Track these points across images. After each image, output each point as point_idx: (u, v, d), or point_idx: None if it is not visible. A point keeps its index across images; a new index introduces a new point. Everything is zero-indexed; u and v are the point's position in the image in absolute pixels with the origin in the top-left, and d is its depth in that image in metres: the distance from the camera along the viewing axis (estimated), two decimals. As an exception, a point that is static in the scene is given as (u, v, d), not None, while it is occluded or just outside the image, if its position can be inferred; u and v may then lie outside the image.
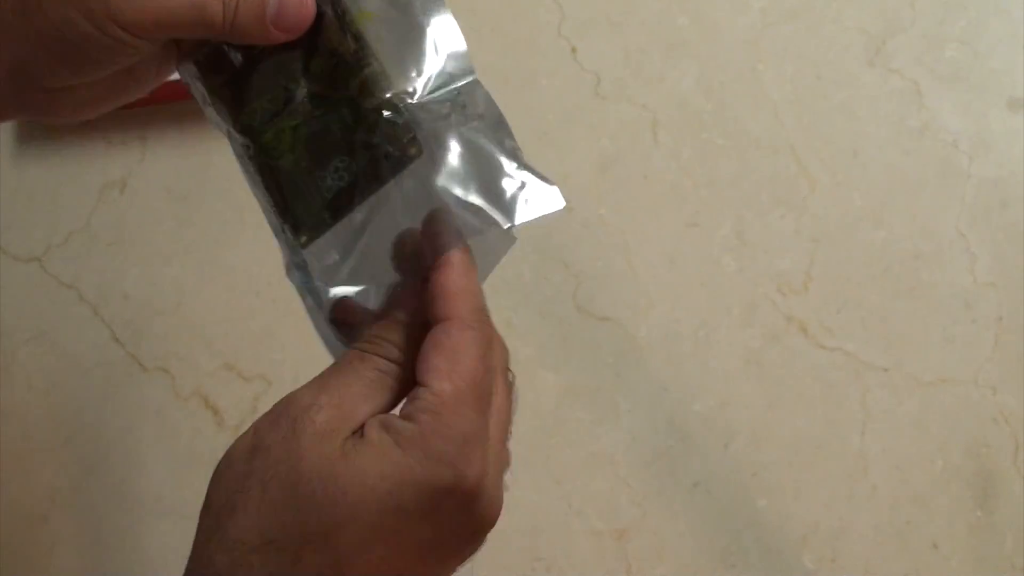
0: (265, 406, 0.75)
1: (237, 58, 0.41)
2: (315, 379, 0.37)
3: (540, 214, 0.38)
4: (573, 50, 0.77)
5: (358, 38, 0.40)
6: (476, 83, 0.41)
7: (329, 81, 0.40)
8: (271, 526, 0.34)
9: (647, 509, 0.67)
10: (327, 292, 0.40)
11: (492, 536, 0.57)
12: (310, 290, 0.40)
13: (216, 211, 0.74)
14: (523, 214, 0.38)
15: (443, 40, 0.41)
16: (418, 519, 0.34)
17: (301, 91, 0.40)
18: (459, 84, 0.41)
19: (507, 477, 0.41)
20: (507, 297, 0.71)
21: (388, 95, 0.40)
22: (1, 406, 0.70)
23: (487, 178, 0.39)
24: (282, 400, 0.36)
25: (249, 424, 0.74)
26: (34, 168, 0.75)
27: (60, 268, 0.73)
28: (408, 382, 0.36)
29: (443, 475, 0.34)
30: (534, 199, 0.39)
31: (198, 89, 0.42)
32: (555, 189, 0.39)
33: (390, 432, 0.34)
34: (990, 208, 0.73)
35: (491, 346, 0.37)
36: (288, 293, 0.75)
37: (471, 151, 0.40)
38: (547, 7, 0.78)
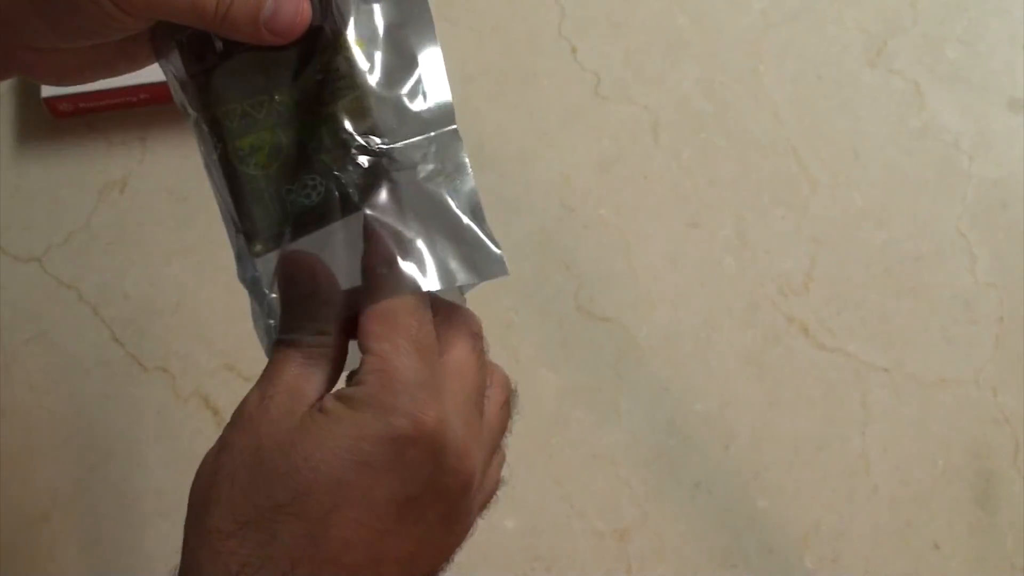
0: (265, 406, 0.74)
1: (220, 47, 0.40)
2: (258, 379, 0.38)
3: (479, 281, 0.39)
4: (573, 50, 0.77)
5: (348, 61, 0.40)
6: (455, 134, 0.40)
7: (315, 97, 0.40)
8: (243, 510, 0.34)
9: (647, 509, 0.67)
10: (275, 302, 0.40)
11: (492, 536, 0.57)
12: (258, 297, 0.40)
13: (216, 211, 0.74)
14: (462, 278, 0.38)
15: (430, 84, 0.40)
16: (384, 473, 0.35)
17: (285, 100, 0.40)
18: (437, 132, 0.40)
19: (505, 471, 0.41)
20: (507, 297, 0.71)
21: (364, 129, 0.39)
22: (1, 406, 0.70)
23: (436, 235, 0.39)
24: (236, 408, 0.37)
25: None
26: (34, 168, 0.75)
27: (60, 268, 0.73)
28: (342, 349, 0.37)
29: (399, 424, 0.34)
30: (478, 265, 0.39)
31: (174, 68, 0.41)
32: (501, 257, 0.39)
33: (342, 399, 0.35)
34: (990, 208, 0.73)
35: (422, 305, 0.37)
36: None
37: (429, 205, 0.39)
38: (547, 7, 0.78)
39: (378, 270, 0.37)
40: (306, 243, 0.39)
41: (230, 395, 0.69)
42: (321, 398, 0.36)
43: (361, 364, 0.36)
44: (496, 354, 0.40)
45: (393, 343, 0.36)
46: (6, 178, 0.75)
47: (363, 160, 0.39)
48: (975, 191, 0.74)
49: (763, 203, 0.74)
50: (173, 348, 0.71)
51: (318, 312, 0.38)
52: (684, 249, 0.73)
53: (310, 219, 0.39)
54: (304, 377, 0.37)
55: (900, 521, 0.67)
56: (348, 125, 0.39)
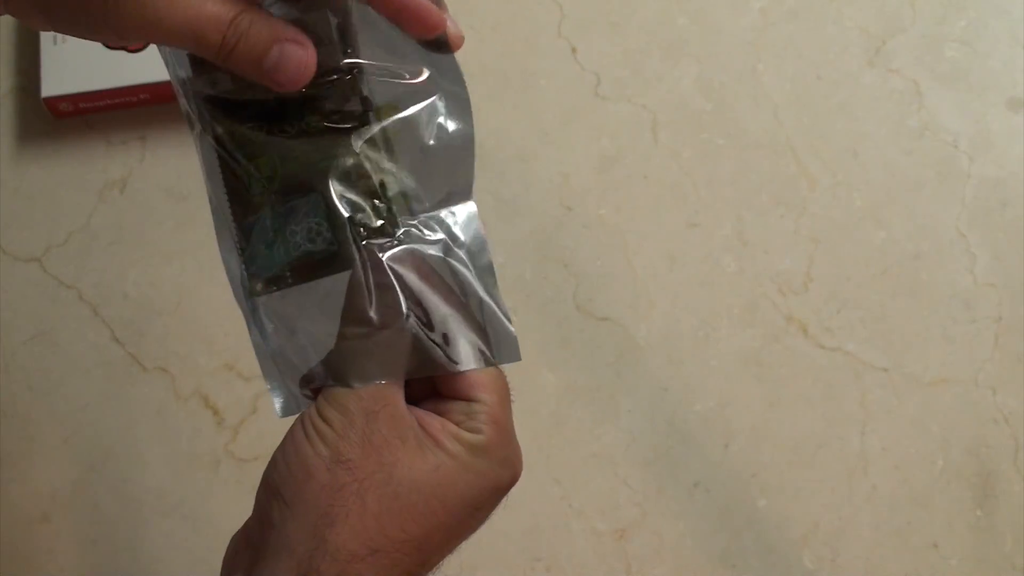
0: (265, 406, 0.75)
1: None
2: (343, 388, 0.39)
3: (494, 365, 0.40)
4: (573, 50, 0.77)
5: (364, 104, 0.39)
6: (471, 208, 0.41)
7: (328, 135, 0.39)
8: (375, 537, 0.37)
9: (647, 509, 0.67)
10: (273, 338, 0.40)
11: (492, 536, 0.57)
12: (258, 324, 0.40)
13: (216, 211, 0.74)
14: (478, 362, 0.40)
15: (459, 159, 0.40)
16: (486, 512, 0.40)
17: (296, 131, 0.39)
18: (456, 206, 0.40)
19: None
20: (507, 297, 0.71)
21: (375, 183, 0.39)
22: (1, 406, 0.70)
23: (453, 316, 0.40)
24: (334, 413, 0.38)
25: (249, 424, 0.74)
26: (34, 168, 0.75)
27: (60, 268, 0.73)
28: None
29: (507, 476, 0.39)
30: (495, 348, 0.40)
31: (179, 72, 0.40)
32: (515, 339, 0.41)
33: (462, 443, 0.38)
34: (990, 208, 0.73)
35: None
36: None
37: (449, 280, 0.40)
38: (547, 7, 0.78)
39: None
40: (306, 290, 0.39)
41: (230, 395, 0.69)
42: (420, 419, 0.39)
43: (472, 412, 0.39)
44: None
45: (499, 394, 0.40)
46: (6, 178, 0.75)
47: (372, 216, 0.39)
48: (974, 191, 0.74)
49: (762, 202, 0.74)
50: (173, 348, 0.71)
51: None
52: (683, 249, 0.73)
53: (312, 265, 0.39)
54: (395, 389, 0.39)
55: (899, 520, 0.67)
56: (359, 175, 0.39)
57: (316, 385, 0.39)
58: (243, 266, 0.40)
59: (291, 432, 0.39)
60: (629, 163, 0.75)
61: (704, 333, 0.71)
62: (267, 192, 0.39)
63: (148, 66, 0.74)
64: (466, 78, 0.41)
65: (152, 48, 0.73)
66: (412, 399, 0.40)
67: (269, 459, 0.39)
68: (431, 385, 0.40)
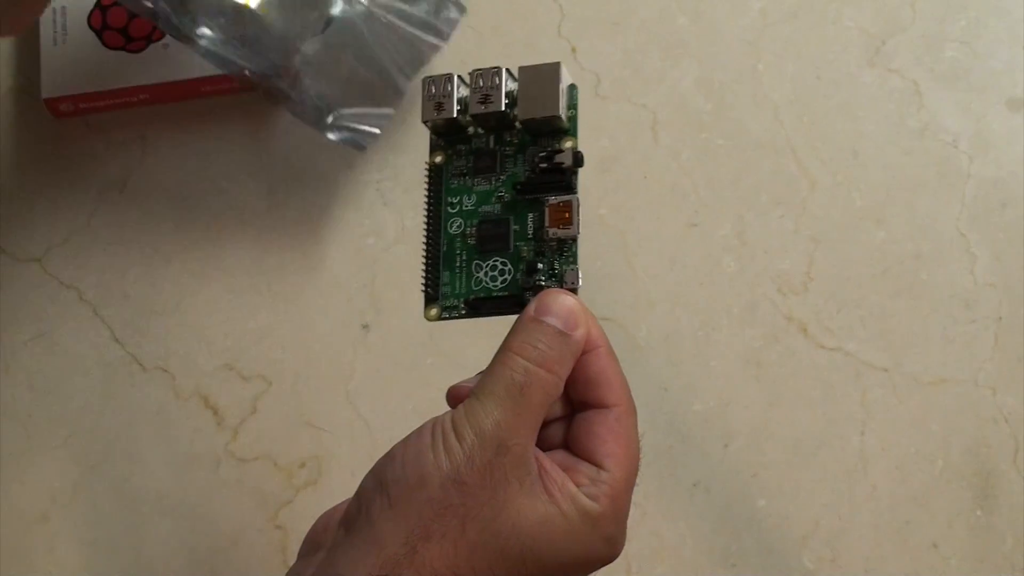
0: (265, 406, 0.75)
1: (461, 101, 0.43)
2: (492, 405, 0.39)
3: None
4: (573, 50, 0.77)
5: (571, 160, 0.43)
6: None
7: (533, 180, 0.42)
8: (462, 565, 0.37)
9: (647, 509, 0.67)
10: None
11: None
12: None
13: (216, 211, 0.74)
14: None
15: None
16: None
17: (507, 173, 0.42)
18: None
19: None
20: (507, 297, 0.71)
21: (564, 236, 0.42)
22: (1, 406, 0.70)
23: None
24: (468, 425, 0.38)
25: (249, 424, 0.74)
26: (34, 168, 0.75)
27: (60, 268, 0.73)
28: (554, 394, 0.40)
29: (606, 553, 0.40)
30: None
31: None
32: None
33: (577, 505, 0.39)
34: (990, 208, 0.73)
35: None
36: (288, 293, 0.75)
37: None
38: (547, 7, 0.78)
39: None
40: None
41: (230, 395, 0.69)
42: (542, 467, 0.39)
43: (598, 479, 0.40)
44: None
45: (626, 471, 0.40)
46: (6, 178, 0.75)
47: (569, 258, 0.42)
48: (974, 191, 0.74)
49: (762, 203, 0.74)
50: (173, 348, 0.71)
51: (557, 348, 0.42)
52: (683, 249, 0.73)
53: (489, 303, 0.41)
54: (534, 429, 0.39)
55: (899, 520, 0.67)
56: (551, 225, 0.42)
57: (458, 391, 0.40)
58: (423, 286, 0.42)
59: (419, 432, 0.39)
60: (629, 163, 0.75)
61: (704, 333, 0.71)
62: (465, 226, 0.42)
63: (148, 66, 0.74)
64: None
65: (152, 48, 0.73)
66: (541, 446, 0.40)
67: (386, 452, 0.39)
68: (563, 437, 0.41)
